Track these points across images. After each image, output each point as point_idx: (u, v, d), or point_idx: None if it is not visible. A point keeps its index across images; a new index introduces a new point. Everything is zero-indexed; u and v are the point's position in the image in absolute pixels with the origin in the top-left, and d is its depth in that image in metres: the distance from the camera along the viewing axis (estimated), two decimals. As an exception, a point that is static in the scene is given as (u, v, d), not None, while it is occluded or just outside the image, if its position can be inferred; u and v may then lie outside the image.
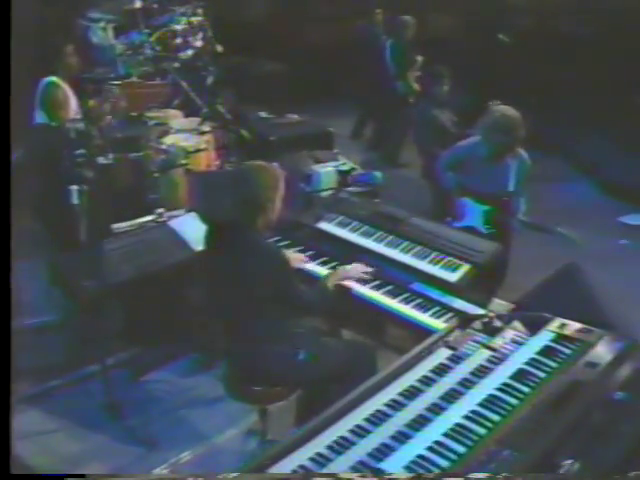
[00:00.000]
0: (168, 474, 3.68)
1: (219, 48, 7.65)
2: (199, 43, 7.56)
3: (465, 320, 3.23)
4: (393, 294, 3.82)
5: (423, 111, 6.07)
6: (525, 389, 2.63)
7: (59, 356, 4.49)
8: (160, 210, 5.03)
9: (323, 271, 4.02)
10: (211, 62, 7.52)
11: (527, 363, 2.78)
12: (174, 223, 4.52)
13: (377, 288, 3.87)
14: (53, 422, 4.15)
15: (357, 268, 3.87)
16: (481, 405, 2.54)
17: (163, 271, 4.27)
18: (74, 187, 3.90)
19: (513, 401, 2.57)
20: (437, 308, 3.69)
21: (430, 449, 2.36)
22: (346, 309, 4.00)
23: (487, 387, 2.64)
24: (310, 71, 9.51)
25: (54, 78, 5.36)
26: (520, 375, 2.71)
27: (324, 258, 4.15)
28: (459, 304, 3.67)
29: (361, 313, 3.95)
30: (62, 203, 3.93)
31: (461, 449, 2.35)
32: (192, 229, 4.43)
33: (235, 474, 2.22)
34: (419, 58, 8.00)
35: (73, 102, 5.47)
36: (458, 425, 2.46)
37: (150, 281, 4.23)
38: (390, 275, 3.93)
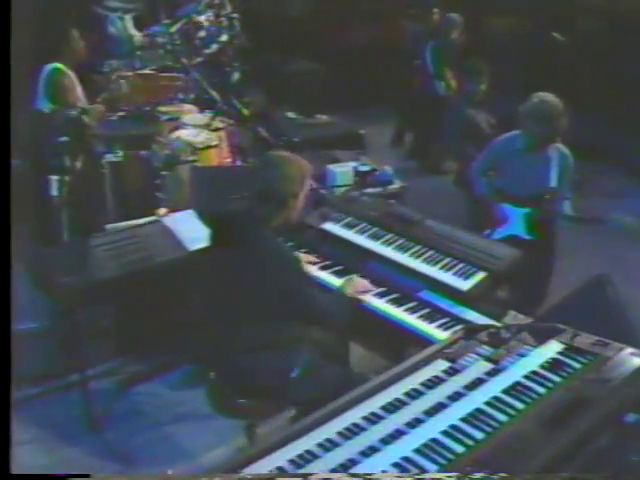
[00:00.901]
0: (177, 474, 3.59)
1: (247, 43, 7.61)
2: (225, 37, 7.53)
3: (470, 331, 3.08)
4: (398, 302, 3.69)
5: (456, 110, 5.93)
6: (518, 405, 2.45)
7: (40, 363, 4.45)
8: (163, 210, 4.97)
9: (325, 276, 3.92)
10: (237, 58, 7.50)
11: (526, 376, 2.61)
12: (168, 220, 4.46)
13: (382, 296, 3.75)
14: (26, 432, 4.11)
15: (366, 284, 3.78)
16: (464, 420, 2.38)
17: (152, 270, 4.19)
18: (54, 177, 3.86)
19: (502, 417, 2.39)
20: (446, 319, 3.53)
21: (397, 465, 2.20)
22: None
23: (475, 401, 2.48)
24: (348, 72, 9.44)
25: (59, 64, 5.34)
26: (515, 389, 2.54)
27: (326, 262, 4.05)
28: (471, 315, 3.50)
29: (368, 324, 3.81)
30: (41, 194, 3.91)
31: (432, 467, 2.19)
32: (188, 228, 4.37)
33: (251, 474, 2.18)
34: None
35: (79, 90, 5.46)
36: (433, 441, 2.29)
37: (137, 281, 4.15)
38: (397, 282, 3.82)
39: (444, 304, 3.62)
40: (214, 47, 7.43)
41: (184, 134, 5.62)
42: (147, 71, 6.57)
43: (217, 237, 3.49)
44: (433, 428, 2.38)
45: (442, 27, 7.89)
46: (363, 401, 2.57)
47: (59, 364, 4.39)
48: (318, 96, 8.39)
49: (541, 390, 2.54)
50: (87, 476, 2.65)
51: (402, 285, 3.78)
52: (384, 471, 2.21)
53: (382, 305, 3.70)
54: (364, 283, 3.74)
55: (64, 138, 3.98)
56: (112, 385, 4.47)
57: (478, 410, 2.44)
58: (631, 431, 2.41)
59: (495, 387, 2.57)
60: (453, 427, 2.37)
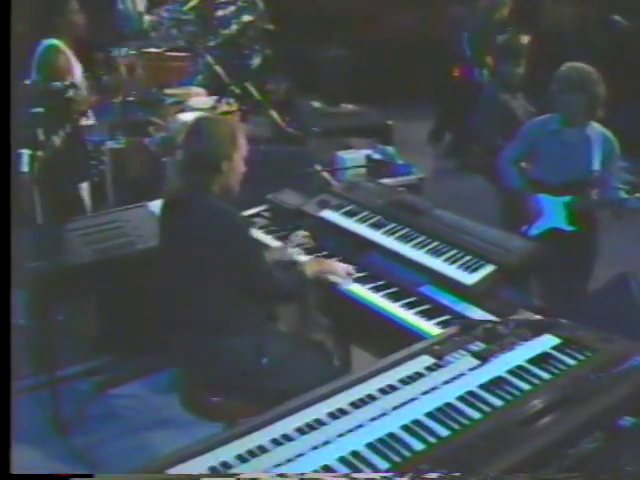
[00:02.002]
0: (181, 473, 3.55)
1: (271, 26, 7.63)
2: (247, 18, 7.56)
3: (465, 327, 3.00)
4: (396, 297, 3.62)
5: (488, 94, 5.81)
6: (496, 401, 2.36)
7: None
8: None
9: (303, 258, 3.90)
10: (259, 41, 7.52)
11: (510, 371, 2.52)
12: (155, 205, 4.44)
13: (379, 289, 3.69)
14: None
15: (344, 267, 3.76)
16: (429, 416, 2.29)
17: (132, 258, 4.18)
18: (24, 151, 3.87)
19: (474, 414, 2.30)
20: (446, 316, 3.44)
21: (344, 460, 2.13)
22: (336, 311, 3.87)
23: (446, 396, 2.38)
24: (381, 61, 9.39)
25: (55, 41, 5.36)
26: (495, 385, 2.45)
27: (323, 252, 4.01)
28: (475, 313, 3.42)
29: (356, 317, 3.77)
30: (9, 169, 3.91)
31: (383, 464, 2.11)
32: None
33: (251, 474, 2.17)
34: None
35: (77, 70, 5.48)
36: (390, 436, 2.21)
37: (115, 269, 4.14)
38: (397, 275, 3.76)
39: (446, 300, 3.54)
40: (233, 28, 7.46)
41: (187, 116, 5.63)
42: (153, 50, 6.59)
43: (165, 217, 3.55)
44: (393, 423, 2.29)
45: (486, 6, 7.76)
46: (333, 396, 2.53)
47: (28, 362, 4.38)
48: (347, 85, 8.34)
49: (524, 386, 2.46)
50: (89, 476, 2.69)
51: (402, 278, 3.72)
52: (327, 465, 2.13)
53: (377, 299, 3.63)
54: (342, 266, 3.73)
55: (38, 109, 3.97)
56: (87, 386, 4.46)
57: (448, 405, 2.35)
58: (625, 436, 2.30)
59: (472, 382, 2.48)
60: (415, 422, 2.28)
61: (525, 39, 5.76)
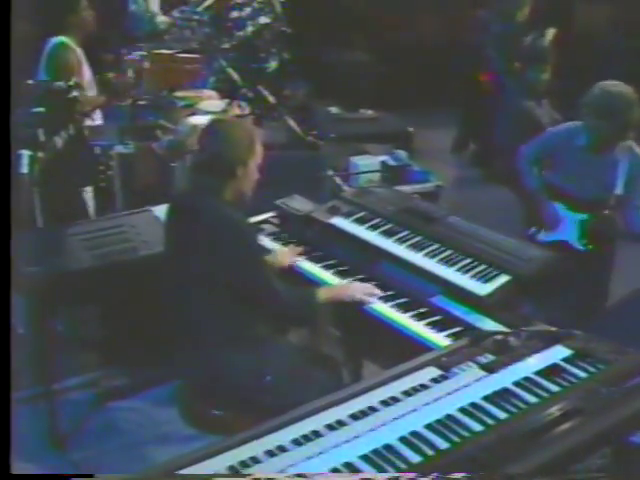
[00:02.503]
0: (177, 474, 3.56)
1: (289, 28, 7.67)
2: (263, 19, 7.60)
3: (475, 338, 2.99)
4: (406, 308, 3.62)
5: (512, 101, 5.80)
6: (501, 414, 2.34)
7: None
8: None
9: (326, 276, 3.90)
10: (276, 43, 7.55)
11: (516, 383, 2.50)
12: (160, 210, 4.46)
13: (388, 300, 3.69)
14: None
15: (363, 289, 3.70)
16: (429, 427, 2.28)
17: (134, 265, 4.20)
18: (24, 152, 3.91)
19: (476, 426, 2.29)
20: (458, 328, 3.43)
21: (336, 471, 2.13)
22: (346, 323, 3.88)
23: (447, 407, 2.38)
24: (405, 67, 9.39)
25: (65, 38, 5.39)
26: (500, 397, 2.44)
27: (331, 261, 4.02)
28: (488, 324, 3.41)
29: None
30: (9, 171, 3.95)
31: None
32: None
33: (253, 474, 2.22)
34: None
35: (86, 70, 5.53)
36: (386, 447, 2.21)
37: (116, 276, 4.16)
38: (408, 284, 3.76)
39: (459, 311, 3.53)
40: (249, 30, 7.50)
41: (195, 120, 5.66)
42: (165, 51, 6.63)
43: (171, 221, 3.56)
44: (391, 434, 2.29)
45: (507, 8, 7.73)
46: (333, 407, 2.54)
47: (25, 373, 4.40)
48: (367, 91, 8.36)
49: (531, 399, 2.45)
50: (90, 476, 2.74)
51: (413, 288, 3.72)
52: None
53: (386, 310, 3.63)
54: (364, 288, 3.67)
55: (39, 109, 4.01)
56: (87, 398, 4.47)
57: (448, 417, 2.34)
58: (636, 453, 2.28)
59: (476, 393, 2.46)
60: (413, 434, 2.27)
61: (550, 35, 5.73)
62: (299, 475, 2.15)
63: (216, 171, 3.36)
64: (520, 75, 6.15)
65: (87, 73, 5.53)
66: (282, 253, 4.01)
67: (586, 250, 4.42)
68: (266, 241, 4.17)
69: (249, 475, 2.19)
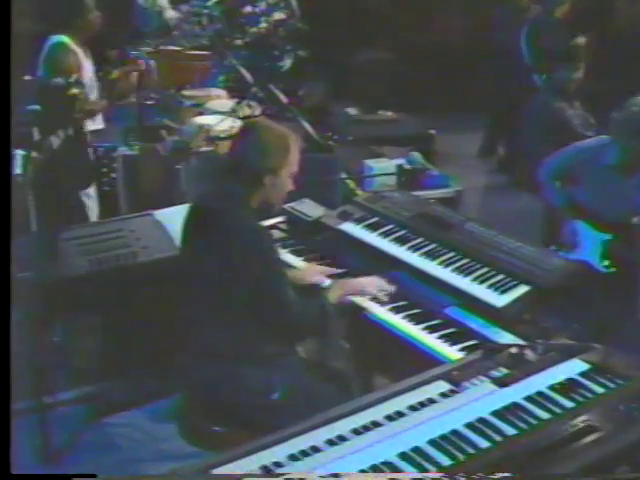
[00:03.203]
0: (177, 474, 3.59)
1: (305, 25, 7.71)
2: (278, 16, 7.65)
3: (489, 351, 3.00)
4: (418, 319, 3.62)
5: (541, 101, 5.79)
6: (509, 430, 2.34)
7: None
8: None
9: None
10: (291, 41, 7.60)
11: (528, 398, 2.50)
12: (161, 214, 4.50)
13: (400, 310, 3.69)
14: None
15: (374, 283, 3.72)
16: (432, 443, 2.29)
17: (133, 271, 4.23)
18: (18, 152, 3.94)
19: (483, 443, 2.29)
20: (472, 341, 3.44)
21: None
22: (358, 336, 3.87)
23: (454, 422, 2.38)
24: (427, 66, 9.41)
25: (65, 37, 5.41)
26: (510, 412, 2.45)
27: (341, 270, 4.02)
28: (505, 338, 3.40)
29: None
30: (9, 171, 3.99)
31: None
32: (183, 223, 4.39)
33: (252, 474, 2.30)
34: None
35: (87, 70, 5.56)
36: (385, 464, 2.22)
37: (113, 283, 4.19)
38: (421, 295, 3.77)
39: (474, 323, 3.53)
40: (262, 26, 7.55)
41: (202, 120, 5.70)
42: (172, 48, 6.68)
43: (190, 225, 3.53)
44: (392, 450, 2.30)
45: (546, 3, 7.73)
46: (335, 422, 2.56)
47: (20, 385, 4.43)
48: (387, 92, 8.38)
49: (543, 415, 2.44)
50: (92, 476, 2.78)
51: (426, 299, 3.73)
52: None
53: (398, 321, 3.63)
54: (373, 282, 3.69)
55: (35, 107, 4.04)
56: (82, 412, 4.49)
57: (454, 433, 2.34)
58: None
59: (485, 408, 2.46)
60: (415, 450, 2.28)
61: (582, 39, 5.73)
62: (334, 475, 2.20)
63: (242, 178, 3.34)
64: (550, 73, 6.13)
65: (88, 74, 5.53)
66: (308, 270, 3.97)
67: (608, 272, 4.38)
68: (289, 256, 4.15)
69: (281, 475, 2.24)
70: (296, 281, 3.68)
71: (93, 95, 5.43)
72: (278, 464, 2.35)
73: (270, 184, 3.32)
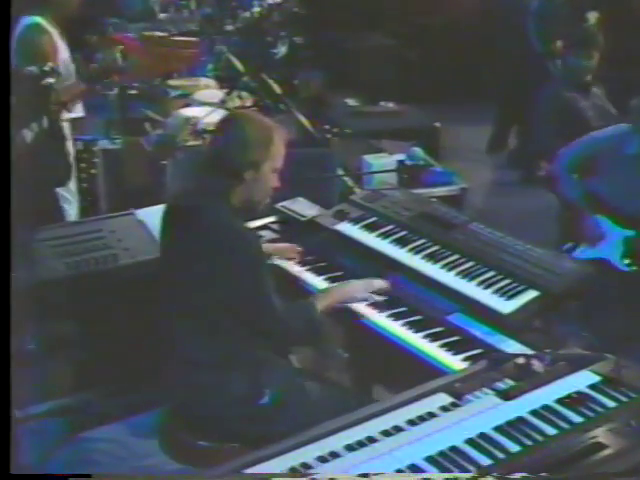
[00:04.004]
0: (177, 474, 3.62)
1: (301, 9, 7.73)
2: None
3: (494, 361, 3.01)
4: (418, 327, 3.63)
5: (551, 92, 5.78)
6: (513, 447, 2.36)
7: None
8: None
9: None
10: (285, 26, 7.62)
11: (534, 412, 2.52)
12: (144, 214, 4.51)
13: (400, 317, 3.70)
14: None
15: (369, 285, 3.74)
16: (429, 460, 2.31)
17: (114, 275, 4.23)
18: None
19: (484, 460, 2.31)
20: (477, 350, 3.45)
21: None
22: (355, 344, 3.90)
23: (453, 438, 2.40)
24: (436, 54, 9.42)
25: (38, 18, 5.38)
26: (514, 427, 2.47)
27: (337, 273, 4.03)
28: (511, 347, 3.41)
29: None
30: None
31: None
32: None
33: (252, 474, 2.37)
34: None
35: (63, 54, 5.55)
36: (379, 482, 2.23)
37: (92, 288, 4.19)
38: (422, 300, 3.78)
39: (478, 331, 3.54)
40: (255, 10, 7.57)
41: (189, 112, 5.71)
42: (158, 33, 6.69)
43: (167, 225, 3.56)
44: (386, 467, 2.32)
45: None
46: (329, 436, 2.57)
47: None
48: (391, 81, 8.39)
49: (549, 430, 2.47)
50: (88, 476, 2.82)
51: (428, 305, 3.74)
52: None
53: (397, 329, 3.64)
54: (369, 284, 3.71)
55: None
56: (56, 426, 4.49)
57: (453, 449, 2.36)
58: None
59: (488, 423, 2.49)
60: (412, 467, 2.29)
61: (593, 18, 5.72)
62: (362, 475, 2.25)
63: (221, 172, 3.35)
64: (562, 60, 6.11)
65: (64, 57, 5.51)
66: (279, 250, 4.06)
67: (629, 271, 4.39)
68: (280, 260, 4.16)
69: (309, 475, 2.28)
70: (336, 301, 3.68)
71: (70, 81, 5.39)
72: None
73: (251, 180, 3.33)
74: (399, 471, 2.30)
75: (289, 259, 4.06)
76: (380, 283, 3.75)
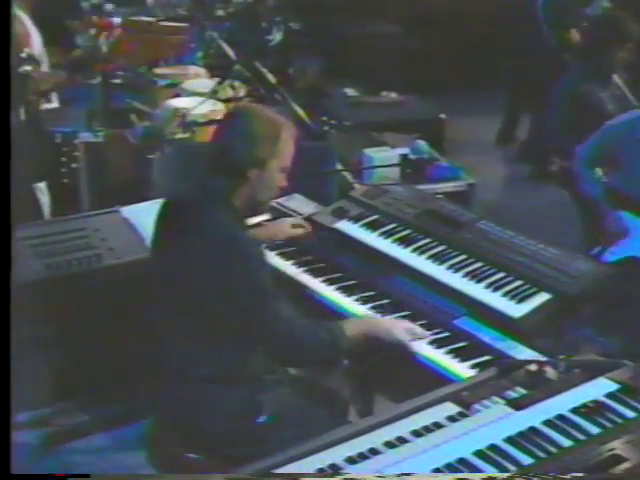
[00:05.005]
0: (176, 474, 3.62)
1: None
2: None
3: (504, 368, 3.03)
4: (423, 332, 3.62)
5: (567, 83, 5.78)
6: (525, 459, 2.37)
7: None
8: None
9: (330, 293, 3.91)
10: (281, 11, 7.64)
11: (548, 422, 2.53)
12: (130, 211, 4.52)
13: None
14: None
15: (406, 328, 3.60)
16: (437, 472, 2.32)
17: (97, 276, 4.24)
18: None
19: (495, 474, 2.32)
20: (486, 357, 3.46)
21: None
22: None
23: (461, 449, 2.43)
24: (442, 41, 9.43)
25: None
26: (526, 438, 2.48)
27: (335, 274, 4.04)
28: (522, 353, 3.42)
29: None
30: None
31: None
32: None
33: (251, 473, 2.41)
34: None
35: (36, 41, 5.57)
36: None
37: (74, 290, 4.20)
38: (427, 304, 3.79)
39: (487, 336, 3.55)
40: (248, -7, 7.59)
41: (178, 102, 5.71)
42: (144, 18, 6.70)
43: (162, 226, 3.55)
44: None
45: None
46: (330, 448, 2.58)
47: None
48: (394, 70, 8.40)
49: (564, 442, 2.46)
50: (87, 476, 2.89)
51: (433, 308, 3.75)
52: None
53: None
54: (404, 326, 3.58)
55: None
56: (37, 438, 4.50)
57: (461, 462, 2.37)
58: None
59: (498, 434, 2.49)
60: (418, 480, 2.30)
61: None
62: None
63: (223, 169, 3.34)
64: (581, 50, 6.08)
65: (37, 44, 5.53)
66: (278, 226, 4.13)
67: None
68: (277, 260, 4.16)
69: (338, 475, 2.31)
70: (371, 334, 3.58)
71: (44, 69, 5.40)
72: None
73: (256, 179, 3.31)
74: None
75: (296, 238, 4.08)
76: (418, 330, 3.60)
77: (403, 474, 2.28)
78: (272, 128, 3.34)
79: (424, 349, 3.56)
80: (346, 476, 2.30)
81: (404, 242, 4.09)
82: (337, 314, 3.79)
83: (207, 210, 3.33)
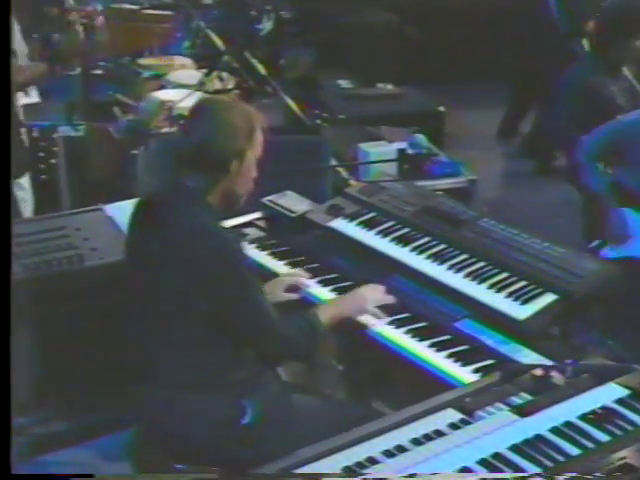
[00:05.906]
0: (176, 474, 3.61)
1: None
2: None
3: (509, 373, 3.04)
4: (423, 335, 3.65)
5: (575, 75, 5.78)
6: (531, 468, 2.39)
7: None
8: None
9: (325, 294, 3.93)
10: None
11: (555, 430, 2.53)
12: (114, 209, 4.52)
13: (401, 325, 3.72)
14: None
15: (375, 297, 3.73)
16: (437, 484, 2.32)
17: (79, 278, 4.24)
18: None
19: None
20: (489, 361, 3.47)
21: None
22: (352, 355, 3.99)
23: (464, 458, 2.44)
24: (442, 31, 9.44)
25: None
26: (532, 446, 2.49)
27: (330, 275, 4.05)
28: (527, 357, 3.43)
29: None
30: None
31: None
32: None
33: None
34: None
35: (14, 29, 5.56)
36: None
37: (53, 293, 4.20)
38: (427, 305, 3.80)
39: (490, 339, 3.56)
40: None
41: (163, 95, 5.72)
42: (127, 6, 6.71)
43: (135, 226, 3.58)
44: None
45: None
46: (325, 457, 2.59)
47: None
48: (390, 61, 8.42)
49: (572, 450, 2.48)
50: (90, 476, 2.92)
51: (433, 310, 3.76)
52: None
53: (399, 337, 3.65)
54: (374, 291, 3.72)
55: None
56: (15, 448, 4.48)
57: (464, 470, 2.38)
58: None
59: (503, 441, 2.51)
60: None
61: None
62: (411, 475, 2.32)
63: (202, 165, 3.36)
64: (596, 42, 6.06)
65: (16, 36, 5.52)
66: (280, 283, 3.99)
67: None
68: (268, 259, 4.18)
69: (360, 475, 2.34)
70: (344, 314, 3.72)
71: (22, 61, 5.40)
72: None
73: (235, 170, 3.37)
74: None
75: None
76: (382, 293, 3.75)
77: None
78: (247, 118, 3.40)
79: (424, 352, 3.58)
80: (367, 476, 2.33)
81: (402, 241, 4.10)
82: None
83: (183, 208, 3.37)
